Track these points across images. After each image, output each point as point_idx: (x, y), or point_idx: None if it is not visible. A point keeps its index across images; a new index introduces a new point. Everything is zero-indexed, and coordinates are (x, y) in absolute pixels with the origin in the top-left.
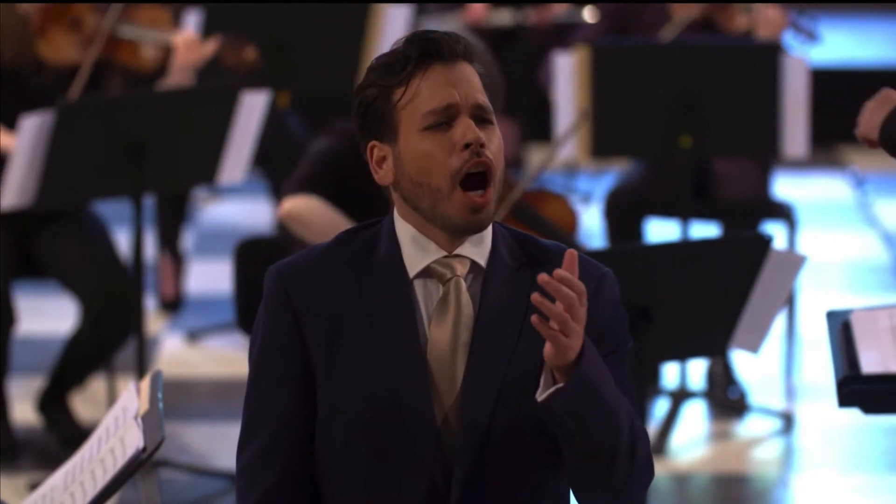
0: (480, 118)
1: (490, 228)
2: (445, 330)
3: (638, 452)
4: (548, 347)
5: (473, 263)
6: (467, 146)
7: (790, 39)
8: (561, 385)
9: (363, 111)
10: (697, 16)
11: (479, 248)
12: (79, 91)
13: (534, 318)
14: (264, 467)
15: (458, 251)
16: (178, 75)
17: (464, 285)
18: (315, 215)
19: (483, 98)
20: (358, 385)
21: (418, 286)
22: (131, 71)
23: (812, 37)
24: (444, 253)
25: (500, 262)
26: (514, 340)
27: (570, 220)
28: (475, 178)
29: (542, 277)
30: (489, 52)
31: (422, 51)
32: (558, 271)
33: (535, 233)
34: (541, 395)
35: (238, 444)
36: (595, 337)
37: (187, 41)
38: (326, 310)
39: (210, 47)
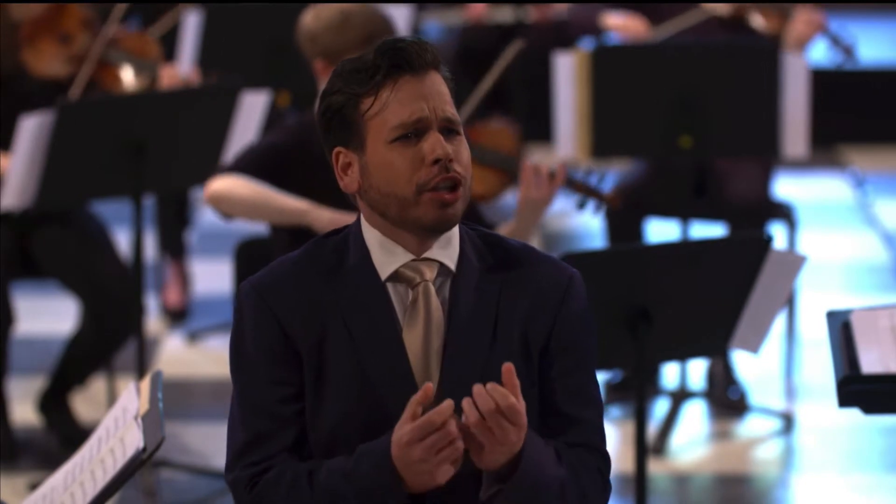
0: (448, 130)
1: (457, 230)
2: (417, 335)
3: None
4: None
5: (442, 266)
6: (436, 162)
7: (825, 53)
8: (501, 487)
9: (329, 117)
10: (729, 12)
11: (447, 251)
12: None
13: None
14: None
15: (427, 254)
16: None
17: (433, 290)
18: (239, 189)
19: (451, 110)
20: (347, 392)
21: (390, 290)
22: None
23: (849, 54)
24: (413, 256)
25: (469, 265)
26: (488, 345)
27: (510, 143)
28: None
29: (477, 389)
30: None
31: (392, 61)
32: (479, 389)
33: (479, 164)
34: (483, 494)
35: (228, 455)
36: (559, 350)
37: (172, 76)
38: (309, 320)
39: (192, 82)
